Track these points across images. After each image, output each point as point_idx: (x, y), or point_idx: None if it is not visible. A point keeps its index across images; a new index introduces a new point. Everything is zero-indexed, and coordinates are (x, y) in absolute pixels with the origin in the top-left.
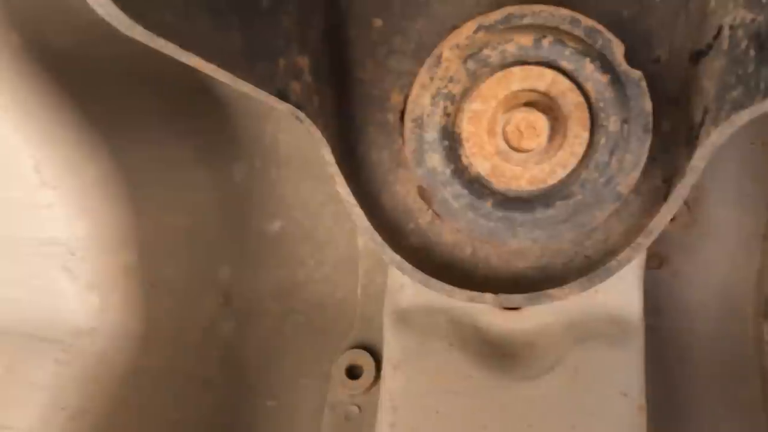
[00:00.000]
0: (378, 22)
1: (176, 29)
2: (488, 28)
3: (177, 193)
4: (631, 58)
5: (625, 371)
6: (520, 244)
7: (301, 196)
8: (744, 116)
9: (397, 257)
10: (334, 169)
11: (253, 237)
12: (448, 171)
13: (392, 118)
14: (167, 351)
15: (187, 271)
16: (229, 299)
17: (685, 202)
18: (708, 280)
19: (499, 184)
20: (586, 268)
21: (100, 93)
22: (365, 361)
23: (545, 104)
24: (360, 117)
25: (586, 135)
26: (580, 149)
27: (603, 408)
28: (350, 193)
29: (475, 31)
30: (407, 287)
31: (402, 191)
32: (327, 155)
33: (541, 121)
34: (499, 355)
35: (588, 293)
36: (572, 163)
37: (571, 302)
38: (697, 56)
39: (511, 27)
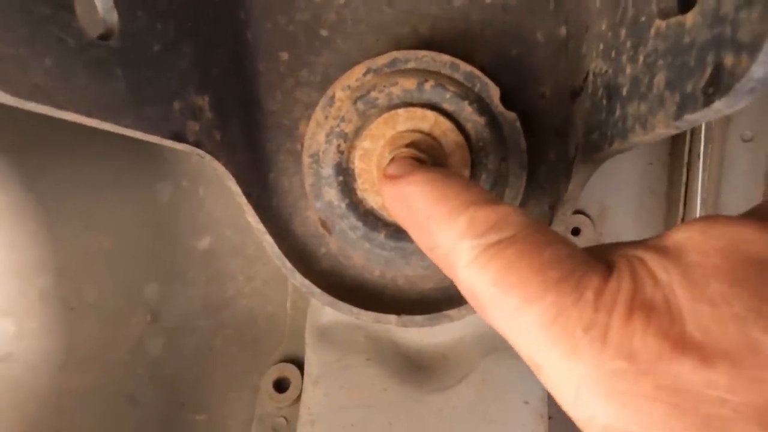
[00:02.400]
0: (285, 56)
1: (50, 90)
2: (376, 71)
3: (97, 216)
4: (519, 94)
5: (527, 380)
6: (414, 272)
7: (230, 213)
8: (600, 158)
9: (306, 282)
10: (241, 200)
11: (181, 254)
12: (343, 205)
13: (300, 146)
14: (91, 372)
15: (111, 292)
16: (156, 317)
17: (591, 218)
18: None
19: (390, 217)
20: None
21: (5, 118)
22: (293, 374)
23: (428, 144)
24: (271, 146)
25: (467, 172)
26: None
27: (507, 416)
28: (259, 221)
29: (365, 74)
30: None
31: (313, 217)
32: (233, 186)
33: (422, 160)
34: (415, 368)
35: None
36: None
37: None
38: (573, 95)
39: (396, 71)
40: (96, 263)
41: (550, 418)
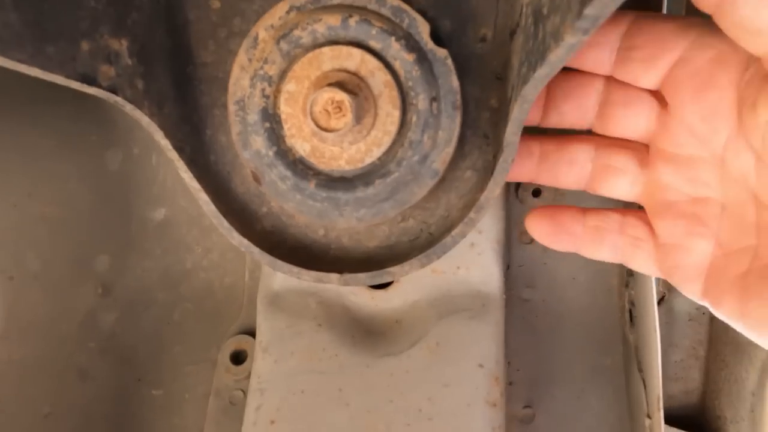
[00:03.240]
0: (216, 4)
1: None
2: (299, 9)
3: (40, 184)
4: (459, 37)
5: (482, 344)
6: (348, 223)
7: (185, 183)
8: (527, 92)
9: (245, 241)
10: (172, 155)
11: (135, 225)
12: (271, 153)
13: None
14: (35, 343)
15: (56, 262)
16: (109, 290)
17: None
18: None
19: (320, 164)
20: (429, 244)
21: None
22: (250, 345)
23: (354, 83)
24: (206, 99)
25: (397, 113)
26: (393, 128)
27: (460, 380)
28: (193, 178)
29: (288, 12)
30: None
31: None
32: (161, 140)
33: (346, 100)
34: (367, 333)
35: (450, 269)
36: (386, 141)
37: (436, 279)
38: (512, 34)
39: (321, 7)
40: (39, 232)
41: (510, 383)
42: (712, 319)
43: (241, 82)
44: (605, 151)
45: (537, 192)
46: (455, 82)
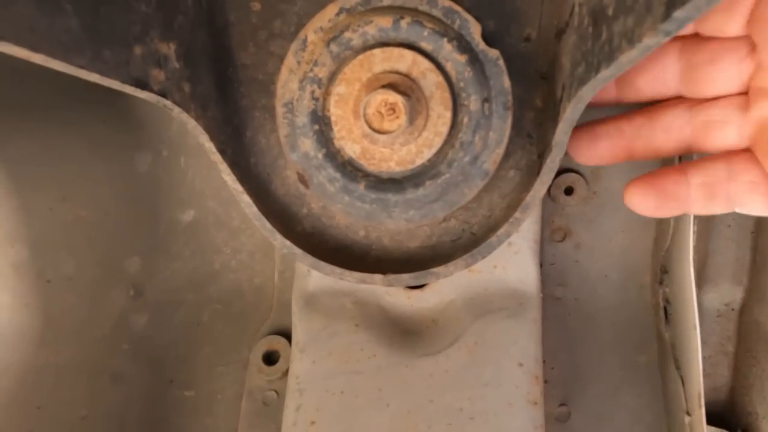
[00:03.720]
0: (257, 6)
1: None
2: (349, 11)
3: (72, 186)
4: (503, 37)
5: (521, 342)
6: (396, 225)
7: (213, 184)
8: (585, 92)
9: (288, 243)
10: (216, 157)
11: (164, 227)
12: (320, 155)
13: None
14: (71, 347)
15: (90, 265)
16: (140, 291)
17: (584, 177)
18: (609, 251)
19: (370, 166)
20: (472, 244)
21: None
22: (282, 346)
23: (407, 85)
24: (246, 101)
25: (448, 114)
26: (444, 129)
27: (499, 379)
28: (236, 180)
29: (337, 14)
30: (314, 271)
31: (293, 176)
32: (206, 143)
33: (399, 101)
34: (404, 333)
35: (487, 269)
36: (437, 142)
37: (472, 278)
38: (559, 34)
39: (371, 9)
40: (73, 235)
41: (546, 381)
42: (741, 314)
43: (290, 84)
44: (701, 108)
45: (569, 190)
46: (507, 83)
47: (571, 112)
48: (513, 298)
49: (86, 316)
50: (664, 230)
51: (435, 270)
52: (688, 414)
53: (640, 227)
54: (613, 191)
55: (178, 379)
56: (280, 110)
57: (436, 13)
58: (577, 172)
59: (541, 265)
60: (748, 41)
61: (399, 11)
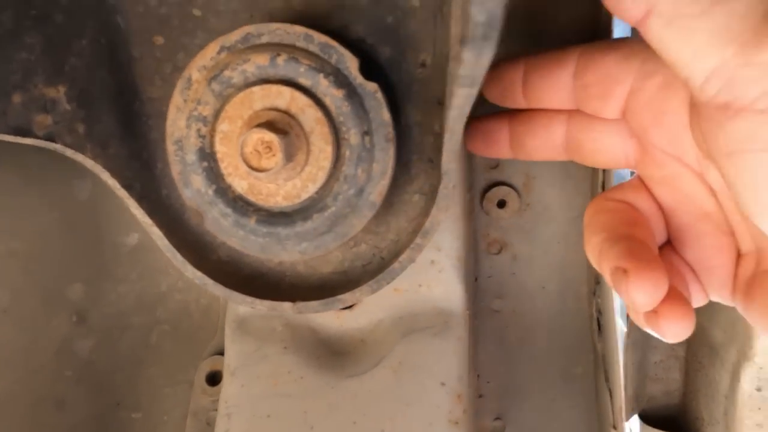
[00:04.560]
0: (160, 40)
1: None
2: (230, 48)
3: (3, 220)
4: (400, 63)
5: (444, 361)
6: (291, 257)
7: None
8: (453, 124)
9: (199, 274)
10: (121, 193)
11: (108, 252)
12: (210, 191)
13: None
14: (11, 377)
15: (27, 296)
16: (84, 317)
17: (516, 189)
18: (546, 262)
19: (258, 201)
20: (381, 269)
21: None
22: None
23: (285, 122)
24: (155, 134)
25: (329, 149)
26: (327, 163)
27: (421, 398)
28: (145, 214)
29: (218, 52)
30: None
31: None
32: (108, 180)
33: (275, 140)
34: (333, 354)
35: (413, 288)
36: (321, 177)
37: (399, 298)
38: (448, 60)
39: (250, 46)
40: (7, 267)
41: (481, 396)
42: None
43: (178, 122)
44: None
45: (502, 203)
46: (386, 116)
47: (449, 143)
48: (438, 316)
49: (26, 346)
50: None
51: (342, 296)
52: (614, 427)
53: (576, 237)
54: (546, 203)
55: (126, 401)
56: (170, 148)
57: (313, 48)
58: (508, 184)
59: (476, 279)
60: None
61: (276, 48)
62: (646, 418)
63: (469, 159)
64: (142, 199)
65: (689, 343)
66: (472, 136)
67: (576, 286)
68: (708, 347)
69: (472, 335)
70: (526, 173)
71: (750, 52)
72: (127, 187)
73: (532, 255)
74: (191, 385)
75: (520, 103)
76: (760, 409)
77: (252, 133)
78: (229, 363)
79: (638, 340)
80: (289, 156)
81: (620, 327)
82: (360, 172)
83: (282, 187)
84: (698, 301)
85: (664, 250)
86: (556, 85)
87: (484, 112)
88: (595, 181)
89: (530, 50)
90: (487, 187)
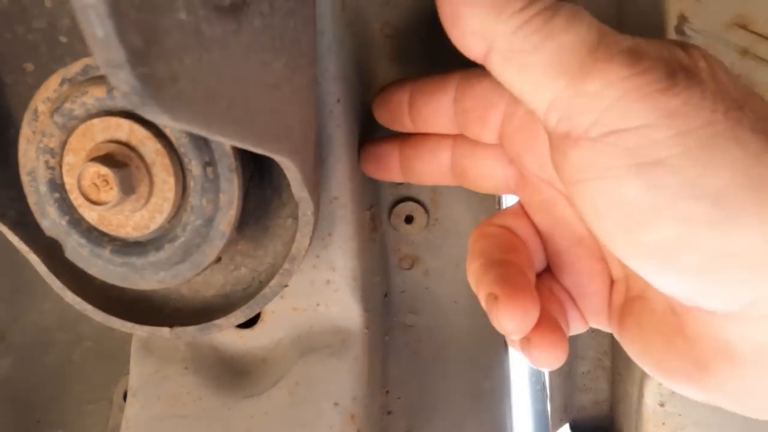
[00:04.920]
0: (30, 66)
1: None
2: (71, 81)
3: None
4: None
5: (339, 381)
6: (149, 285)
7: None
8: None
9: (78, 299)
10: None
11: (28, 270)
12: (64, 222)
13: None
14: None
15: None
16: (2, 336)
17: (423, 205)
18: (457, 277)
19: (110, 231)
20: (259, 293)
21: None
22: None
23: (125, 154)
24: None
25: (172, 180)
26: (171, 195)
27: (315, 420)
28: (20, 241)
29: (60, 84)
30: None
31: None
32: None
33: (110, 174)
34: (234, 374)
35: (311, 306)
36: (167, 208)
37: (298, 317)
38: None
39: (89, 78)
40: None
41: (390, 412)
42: None
43: (29, 153)
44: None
45: (410, 218)
46: (227, 147)
47: (289, 174)
48: (336, 335)
49: None
50: None
51: (218, 322)
52: None
53: None
54: (454, 218)
55: (47, 418)
56: (25, 179)
57: None
58: (415, 200)
59: (386, 295)
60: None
61: None
62: (576, 429)
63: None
64: (17, 227)
65: (613, 355)
66: (365, 159)
67: None
68: (625, 359)
69: (379, 353)
70: (432, 188)
71: (578, 84)
72: (1, 215)
73: (443, 270)
74: (111, 403)
75: (408, 126)
76: (664, 424)
77: (88, 167)
78: (132, 384)
79: None
80: (127, 188)
81: None
82: (205, 202)
83: (130, 218)
84: (578, 327)
85: (544, 276)
86: (439, 109)
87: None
88: (499, 198)
89: (416, 74)
90: (394, 203)
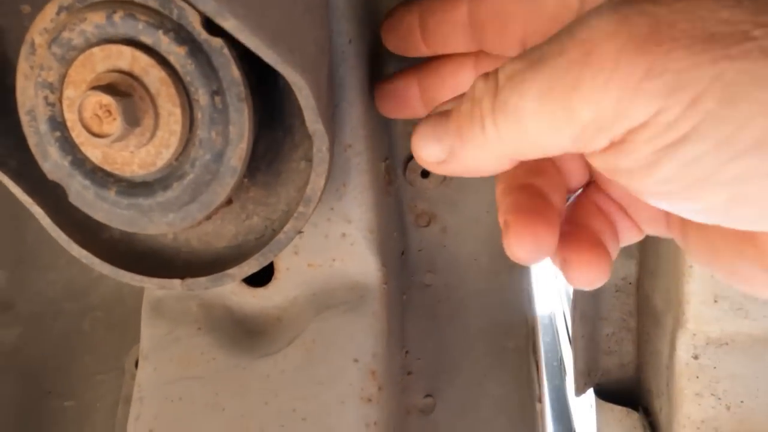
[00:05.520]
0: (27, 8)
1: None
2: (68, 8)
3: None
4: None
5: (358, 338)
6: (159, 229)
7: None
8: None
9: (85, 253)
10: None
11: (31, 238)
12: (66, 163)
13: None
14: None
15: None
16: (9, 305)
17: None
18: (477, 233)
19: (115, 171)
20: None
21: None
22: None
23: (128, 84)
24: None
25: (178, 111)
26: (177, 127)
27: (334, 377)
28: (23, 192)
29: (57, 13)
30: None
31: None
32: None
33: (112, 103)
34: (248, 333)
35: (327, 262)
36: (174, 142)
37: (314, 273)
38: None
39: (88, 5)
40: None
41: (410, 373)
42: (638, 288)
43: (28, 91)
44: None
45: (426, 173)
46: (236, 73)
47: (302, 100)
48: (353, 290)
49: None
50: None
51: (230, 272)
52: (539, 401)
53: None
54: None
55: (57, 389)
56: (24, 119)
57: (152, 3)
58: None
59: (403, 253)
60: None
61: (113, 5)
62: (601, 393)
63: (386, 126)
64: (19, 177)
65: (639, 314)
66: (381, 97)
67: (506, 258)
68: (652, 317)
69: (398, 311)
70: None
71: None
72: (1, 164)
73: (461, 226)
74: (123, 371)
75: (423, 50)
76: (698, 377)
77: (88, 96)
78: (143, 347)
79: (586, 312)
80: (131, 120)
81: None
82: (215, 135)
83: (136, 154)
84: (632, 237)
85: (588, 190)
86: (453, 26)
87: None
88: None
89: None
90: (409, 157)
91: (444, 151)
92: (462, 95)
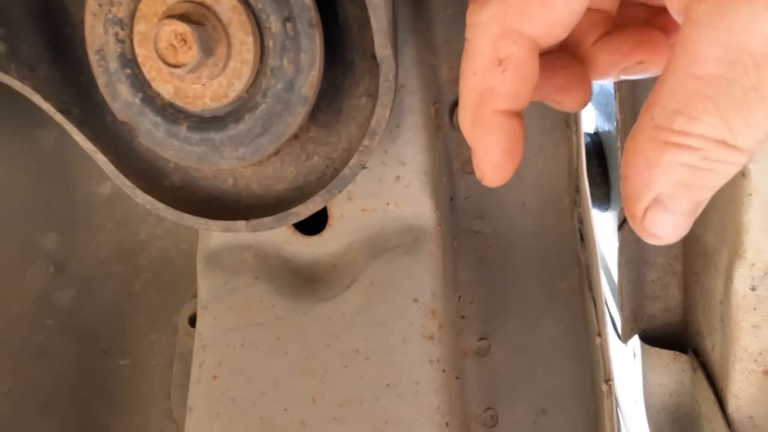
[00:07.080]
0: None
1: None
2: None
3: None
4: None
5: (416, 278)
6: (229, 164)
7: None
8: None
9: (149, 198)
10: (58, 118)
11: (81, 202)
12: (137, 101)
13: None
14: None
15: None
16: (62, 267)
17: None
18: (524, 177)
19: (186, 105)
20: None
21: None
22: None
23: (200, 13)
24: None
25: (250, 40)
26: (250, 56)
27: (394, 317)
28: (86, 139)
29: None
30: None
31: None
32: (42, 104)
33: (188, 31)
34: (305, 281)
35: (380, 207)
36: (246, 71)
37: (367, 218)
38: None
39: None
40: None
41: (463, 317)
42: None
43: (96, 30)
44: None
45: None
46: None
47: (375, 22)
48: (408, 234)
49: (3, 296)
50: (574, 148)
51: (295, 210)
52: (599, 335)
53: (553, 148)
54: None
55: (112, 349)
56: (93, 58)
57: None
58: None
59: (451, 199)
60: None
61: None
62: (646, 339)
63: (432, 71)
64: (82, 125)
65: (685, 256)
66: None
67: (556, 199)
68: (702, 256)
69: (450, 256)
70: None
71: None
72: (64, 111)
73: None
74: (176, 329)
75: None
76: (756, 309)
77: (164, 26)
78: (202, 297)
79: (632, 257)
80: (206, 49)
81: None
82: (286, 63)
83: (208, 87)
84: None
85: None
86: None
87: None
88: None
89: None
90: (455, 103)
91: None
92: None
